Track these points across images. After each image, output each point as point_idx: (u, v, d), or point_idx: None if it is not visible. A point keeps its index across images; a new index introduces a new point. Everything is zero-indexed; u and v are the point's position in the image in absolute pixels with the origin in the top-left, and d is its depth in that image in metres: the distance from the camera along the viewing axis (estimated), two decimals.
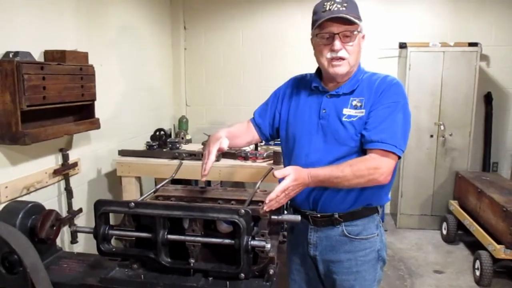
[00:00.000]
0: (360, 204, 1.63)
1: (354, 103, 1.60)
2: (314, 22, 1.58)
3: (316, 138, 1.63)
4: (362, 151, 1.57)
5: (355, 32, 1.55)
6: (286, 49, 4.75)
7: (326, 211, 1.64)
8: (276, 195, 1.39)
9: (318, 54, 1.62)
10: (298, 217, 1.39)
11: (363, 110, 1.57)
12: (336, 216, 1.63)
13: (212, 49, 4.97)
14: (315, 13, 1.58)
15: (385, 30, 4.62)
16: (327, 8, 1.52)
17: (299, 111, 1.71)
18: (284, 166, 1.72)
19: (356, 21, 1.52)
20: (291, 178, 1.42)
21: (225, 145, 1.66)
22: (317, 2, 1.58)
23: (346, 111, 1.59)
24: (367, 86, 1.61)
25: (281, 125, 1.79)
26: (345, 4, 1.52)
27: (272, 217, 1.35)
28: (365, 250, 1.67)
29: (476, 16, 4.51)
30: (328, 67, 1.59)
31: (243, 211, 1.22)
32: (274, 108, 1.83)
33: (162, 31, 4.58)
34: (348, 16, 1.50)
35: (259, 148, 3.48)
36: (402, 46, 4.48)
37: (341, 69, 1.58)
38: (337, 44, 1.54)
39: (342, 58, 1.56)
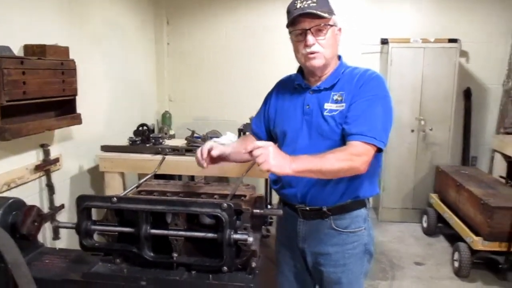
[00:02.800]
0: (348, 197, 1.66)
1: (335, 97, 1.62)
2: (287, 20, 1.62)
3: (302, 134, 1.67)
4: (345, 144, 1.59)
5: (327, 26, 1.58)
6: (270, 45, 4.75)
7: (315, 204, 1.67)
8: (256, 145, 1.38)
9: (295, 51, 1.66)
10: (280, 211, 1.42)
11: (344, 104, 1.60)
12: (325, 209, 1.66)
13: (196, 45, 4.95)
14: (288, 12, 1.62)
15: (367, 26, 4.67)
16: (298, 6, 1.56)
17: (285, 110, 1.76)
18: None
19: (326, 15, 1.55)
20: (273, 145, 1.41)
21: (217, 149, 1.67)
22: (290, 1, 1.62)
23: (328, 105, 1.62)
24: (347, 80, 1.64)
25: (271, 125, 1.83)
26: (315, 0, 1.55)
27: (255, 210, 1.37)
28: (352, 243, 1.70)
29: (457, 13, 4.58)
30: (305, 61, 1.63)
31: (225, 205, 1.23)
32: (266, 112, 1.87)
33: (145, 26, 4.54)
34: (316, 11, 1.53)
35: None
36: (384, 42, 4.53)
37: (316, 61, 1.60)
38: (310, 39, 1.57)
39: (316, 52, 1.59)
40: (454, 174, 4.03)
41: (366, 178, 1.64)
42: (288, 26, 1.63)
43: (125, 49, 4.01)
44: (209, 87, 5.01)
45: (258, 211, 1.38)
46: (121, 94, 3.91)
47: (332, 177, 1.56)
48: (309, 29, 1.56)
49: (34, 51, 2.50)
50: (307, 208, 1.69)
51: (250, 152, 1.39)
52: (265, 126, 1.88)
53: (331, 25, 1.60)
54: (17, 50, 2.46)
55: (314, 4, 1.54)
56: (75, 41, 3.01)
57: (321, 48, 1.59)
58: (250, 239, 1.24)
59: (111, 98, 3.72)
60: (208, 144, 1.68)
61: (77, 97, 2.80)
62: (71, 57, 2.76)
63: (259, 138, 1.89)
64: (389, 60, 4.34)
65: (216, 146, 1.68)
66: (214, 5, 4.85)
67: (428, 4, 4.61)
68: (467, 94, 4.69)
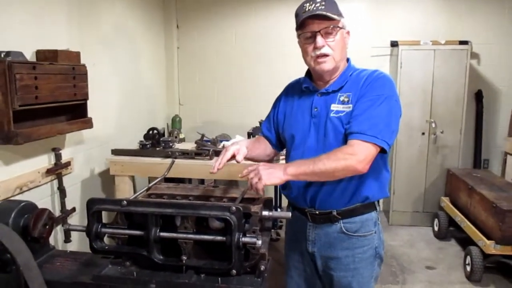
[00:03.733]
0: (357, 200, 1.65)
1: (341, 98, 1.63)
2: (296, 24, 1.64)
3: (310, 137, 1.67)
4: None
5: (336, 28, 1.59)
6: (280, 49, 4.76)
7: (324, 208, 1.67)
8: (248, 170, 1.49)
9: (304, 54, 1.67)
10: (288, 214, 1.41)
11: (350, 106, 1.60)
12: (334, 213, 1.66)
13: (205, 48, 4.97)
14: (296, 15, 1.63)
15: (377, 29, 4.65)
16: (307, 9, 1.57)
17: (293, 113, 1.76)
18: None
19: (335, 17, 1.56)
20: (263, 163, 1.53)
21: (241, 156, 1.71)
22: (299, 5, 1.64)
23: (334, 106, 1.63)
24: (355, 81, 1.64)
25: (280, 129, 1.84)
26: (323, 3, 1.56)
27: (263, 213, 1.37)
28: (363, 248, 1.69)
29: (467, 15, 4.55)
30: (315, 65, 1.63)
31: (234, 208, 1.24)
32: (275, 116, 1.88)
33: (155, 31, 4.58)
34: (326, 13, 1.54)
35: None
36: (394, 44, 4.51)
37: (326, 65, 1.61)
38: (319, 41, 1.58)
39: (326, 55, 1.59)
40: (466, 177, 3.99)
41: (373, 180, 1.64)
42: (297, 29, 1.64)
43: (135, 53, 4.05)
44: (219, 91, 5.03)
45: (266, 214, 1.38)
46: (131, 98, 3.94)
47: (329, 178, 1.56)
48: (319, 31, 1.57)
49: (46, 56, 2.54)
50: (317, 212, 1.69)
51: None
52: (275, 130, 1.89)
53: (340, 28, 1.60)
54: (30, 56, 2.50)
55: (323, 7, 1.55)
56: (86, 46, 3.05)
57: (330, 51, 1.59)
58: (259, 242, 1.24)
59: (121, 102, 3.75)
60: (232, 149, 1.70)
61: (88, 102, 2.83)
62: (82, 62, 2.79)
63: (269, 141, 1.91)
64: (399, 63, 4.32)
65: (240, 151, 1.70)
66: (224, 9, 4.88)
67: (438, 6, 4.58)
68: (478, 97, 4.64)
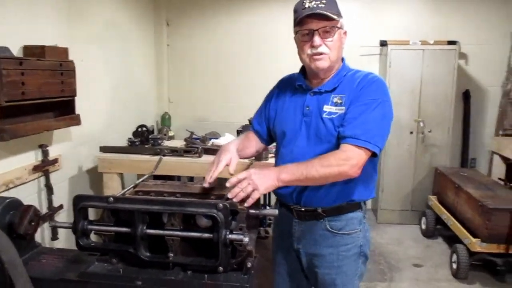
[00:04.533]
0: (343, 199, 1.66)
1: (335, 100, 1.62)
2: (294, 20, 1.61)
3: (300, 135, 1.67)
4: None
5: (335, 28, 1.58)
6: (270, 46, 4.77)
7: (309, 205, 1.67)
8: (238, 179, 1.44)
9: (300, 51, 1.65)
10: (275, 211, 1.42)
11: (343, 108, 1.59)
12: (320, 210, 1.66)
13: (196, 46, 4.96)
14: (295, 11, 1.60)
15: (366, 28, 4.68)
16: (306, 6, 1.55)
17: (285, 110, 1.75)
18: (275, 165, 1.77)
19: (335, 17, 1.55)
20: (253, 169, 1.48)
21: (233, 166, 1.71)
22: (298, 0, 1.61)
23: (327, 107, 1.62)
24: (349, 83, 1.63)
25: (271, 125, 1.83)
26: (324, 1, 1.54)
27: (250, 211, 1.37)
28: (346, 245, 1.70)
29: (456, 15, 4.59)
30: (310, 63, 1.62)
31: (221, 205, 1.24)
32: (266, 111, 1.87)
33: (144, 27, 4.56)
34: (326, 12, 1.53)
35: None
36: (383, 44, 4.54)
37: (322, 63, 1.60)
38: (317, 40, 1.56)
39: (322, 53, 1.58)
40: (453, 176, 4.04)
41: (360, 182, 1.64)
42: (295, 25, 1.61)
43: (124, 50, 4.02)
44: (209, 89, 5.02)
45: (254, 211, 1.38)
46: (120, 95, 3.91)
47: (322, 183, 1.56)
48: (317, 30, 1.56)
49: (33, 52, 2.51)
50: (302, 209, 1.70)
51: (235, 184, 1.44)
52: (266, 125, 1.88)
53: (338, 28, 1.59)
54: (17, 51, 2.47)
55: (323, 5, 1.54)
56: (75, 42, 3.02)
57: (327, 50, 1.58)
58: (246, 239, 1.24)
59: (110, 99, 3.73)
60: (224, 160, 1.69)
61: (76, 98, 2.81)
62: (70, 58, 2.77)
63: (260, 136, 1.90)
64: (388, 62, 4.35)
65: (232, 161, 1.71)
66: (214, 7, 4.86)
67: (427, 6, 4.62)
68: (466, 96, 4.69)
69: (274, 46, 4.71)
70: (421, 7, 4.63)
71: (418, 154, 4.50)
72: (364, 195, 1.70)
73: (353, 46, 4.56)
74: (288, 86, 1.79)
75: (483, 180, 3.94)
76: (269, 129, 1.87)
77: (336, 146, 1.57)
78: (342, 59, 1.71)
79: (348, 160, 1.49)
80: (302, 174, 1.48)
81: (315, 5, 1.54)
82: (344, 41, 1.65)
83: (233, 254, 1.29)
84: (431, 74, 4.34)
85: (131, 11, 4.17)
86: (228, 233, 1.24)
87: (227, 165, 1.69)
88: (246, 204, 1.38)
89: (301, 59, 1.67)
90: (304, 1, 1.56)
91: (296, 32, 1.63)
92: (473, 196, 3.47)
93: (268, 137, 1.90)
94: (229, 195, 1.41)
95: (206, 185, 1.60)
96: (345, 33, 1.65)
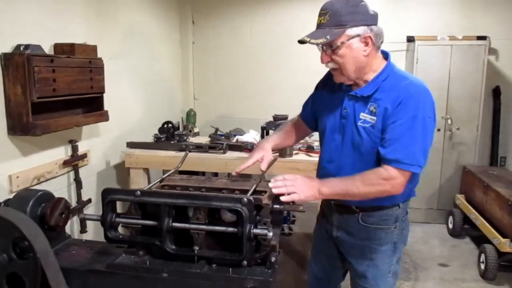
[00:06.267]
0: (379, 202, 1.64)
1: (371, 108, 1.57)
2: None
3: (338, 137, 1.68)
4: (376, 160, 1.57)
5: (342, 43, 1.51)
6: (295, 45, 4.68)
7: (345, 202, 1.69)
8: (283, 177, 1.47)
9: None
10: (300, 207, 1.43)
11: (375, 118, 1.55)
12: (353, 207, 1.68)
13: (220, 43, 4.98)
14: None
15: (393, 24, 4.59)
16: (317, 22, 1.55)
17: (327, 106, 1.74)
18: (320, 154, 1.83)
19: (321, 40, 1.49)
20: (300, 175, 1.53)
21: (265, 164, 1.75)
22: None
23: (363, 116, 1.59)
24: (387, 91, 1.56)
25: (317, 115, 1.84)
26: (327, 17, 1.51)
27: (275, 206, 1.38)
28: (380, 240, 1.70)
29: (485, 10, 4.46)
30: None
31: (245, 199, 1.26)
32: (314, 102, 1.88)
33: (170, 25, 4.61)
34: (310, 40, 1.50)
35: None
36: (410, 39, 4.45)
37: (337, 78, 1.62)
38: (322, 57, 1.57)
39: (334, 69, 1.58)
40: (482, 174, 3.94)
41: None
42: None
43: (151, 48, 4.08)
44: (233, 85, 5.04)
45: (278, 206, 1.39)
46: (147, 92, 3.98)
47: (362, 199, 1.57)
48: (322, 47, 1.55)
49: (63, 49, 2.57)
50: (340, 203, 1.72)
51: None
52: (313, 113, 1.88)
53: (347, 40, 1.51)
54: (48, 49, 2.54)
55: (326, 22, 1.51)
56: (103, 40, 3.08)
57: (335, 65, 1.56)
58: (270, 234, 1.25)
59: (137, 95, 3.79)
60: (255, 157, 1.76)
61: (104, 95, 2.87)
62: (99, 55, 2.83)
63: (308, 123, 1.92)
64: (415, 58, 4.27)
65: (265, 158, 1.75)
66: (239, 4, 4.87)
67: (455, 0, 4.51)
68: (496, 93, 4.56)
69: (299, 45, 4.66)
70: (449, 2, 4.52)
71: (446, 152, 4.41)
72: (402, 198, 1.69)
73: None
74: (332, 81, 1.73)
75: None
76: (316, 118, 1.86)
77: (366, 156, 1.59)
78: (387, 57, 1.64)
79: (389, 179, 1.49)
80: (342, 190, 1.52)
81: (320, 22, 1.53)
82: (369, 46, 1.53)
83: (257, 249, 1.30)
84: (460, 70, 4.24)
85: (157, 10, 4.22)
86: (252, 227, 1.25)
87: (259, 161, 1.74)
88: (282, 199, 1.41)
89: None
90: (319, 14, 1.55)
91: None
92: (503, 195, 3.39)
93: (315, 125, 1.89)
94: (271, 185, 1.43)
95: (233, 173, 1.71)
96: (368, 37, 1.51)
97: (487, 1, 4.45)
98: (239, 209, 1.25)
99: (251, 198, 1.27)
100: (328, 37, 1.49)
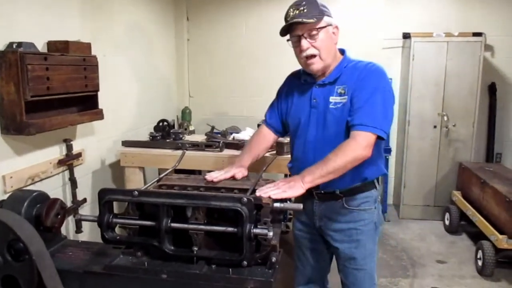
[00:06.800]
0: (357, 180, 1.80)
1: (339, 91, 1.76)
2: (283, 29, 1.77)
3: (310, 126, 1.82)
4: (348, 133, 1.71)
5: (319, 29, 1.70)
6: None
7: (328, 188, 1.80)
8: (266, 186, 1.53)
9: (296, 55, 1.81)
10: (300, 206, 1.41)
11: (346, 97, 1.73)
12: (337, 192, 1.81)
13: (216, 40, 4.95)
14: (285, 20, 1.75)
15: (389, 21, 4.58)
16: (290, 15, 1.71)
17: (295, 103, 1.91)
18: (290, 155, 1.99)
19: (313, 20, 1.67)
20: (280, 180, 1.63)
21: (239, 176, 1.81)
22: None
23: (333, 98, 1.76)
24: (350, 73, 1.76)
25: (285, 118, 1.99)
26: (304, 8, 1.68)
27: (275, 205, 1.36)
28: (364, 220, 1.85)
29: (481, 6, 4.47)
30: (305, 66, 1.79)
31: (245, 199, 1.24)
32: (279, 105, 2.02)
33: (165, 23, 4.57)
34: (303, 20, 1.67)
35: None
36: (406, 36, 4.45)
37: (315, 66, 1.75)
38: (304, 44, 1.72)
39: (313, 55, 1.73)
40: (478, 171, 3.95)
41: (371, 163, 1.76)
42: (283, 34, 1.78)
43: (145, 45, 4.05)
44: (229, 83, 5.01)
45: (278, 205, 1.38)
46: (142, 90, 3.94)
47: (343, 173, 1.65)
48: (302, 35, 1.70)
49: (57, 47, 2.54)
50: (322, 192, 1.83)
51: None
52: (279, 118, 2.02)
53: (324, 27, 1.71)
54: (41, 47, 2.50)
55: (304, 12, 1.67)
56: (97, 38, 3.05)
57: (315, 51, 1.72)
58: (270, 233, 1.23)
59: (132, 94, 3.76)
60: (232, 173, 1.78)
61: (99, 93, 2.83)
62: (93, 53, 2.79)
63: (274, 128, 2.05)
64: (411, 55, 4.27)
65: (240, 174, 1.79)
66: (234, 1, 4.85)
67: None
68: (492, 89, 4.57)
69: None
70: None
71: (442, 149, 4.41)
72: (375, 173, 1.84)
73: (376, 39, 4.49)
74: (296, 81, 1.95)
75: (510, 176, 3.83)
76: (283, 122, 2.02)
77: (343, 130, 1.73)
78: (343, 52, 1.85)
79: (358, 143, 1.63)
80: (323, 170, 1.60)
81: (296, 13, 1.69)
82: (336, 36, 1.77)
83: (257, 249, 1.28)
84: (456, 67, 4.24)
85: (152, 6, 4.18)
86: (252, 227, 1.23)
87: (233, 178, 1.77)
88: (272, 196, 1.44)
89: (299, 63, 1.83)
90: (289, 11, 1.73)
91: (287, 40, 1.81)
92: (500, 191, 3.39)
93: (282, 129, 2.05)
94: (257, 193, 1.46)
95: (207, 177, 1.69)
96: (336, 27, 1.76)
97: None
98: (239, 209, 1.23)
99: (250, 197, 1.25)
100: (314, 19, 1.68)
